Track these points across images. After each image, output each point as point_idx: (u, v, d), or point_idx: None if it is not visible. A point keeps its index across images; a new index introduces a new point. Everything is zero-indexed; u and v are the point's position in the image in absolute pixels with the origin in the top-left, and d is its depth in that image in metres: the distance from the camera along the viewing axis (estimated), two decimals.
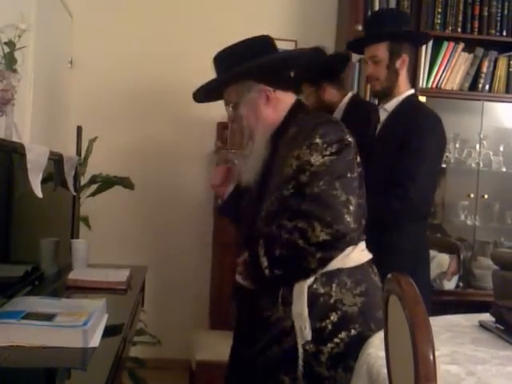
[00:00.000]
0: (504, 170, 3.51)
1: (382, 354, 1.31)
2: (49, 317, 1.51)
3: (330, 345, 1.65)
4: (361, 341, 1.59)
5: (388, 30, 2.33)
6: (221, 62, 1.84)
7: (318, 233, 1.60)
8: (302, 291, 1.66)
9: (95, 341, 1.47)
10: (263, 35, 1.85)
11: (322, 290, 1.67)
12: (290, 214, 1.65)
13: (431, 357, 0.99)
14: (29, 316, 1.50)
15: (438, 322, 1.68)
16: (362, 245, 1.78)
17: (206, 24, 3.69)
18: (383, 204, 2.22)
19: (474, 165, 3.49)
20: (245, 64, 1.75)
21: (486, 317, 1.72)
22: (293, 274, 1.68)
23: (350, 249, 1.69)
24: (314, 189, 1.62)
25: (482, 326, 1.68)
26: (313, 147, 1.65)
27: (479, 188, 3.47)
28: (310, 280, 1.67)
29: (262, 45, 1.82)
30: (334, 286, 1.67)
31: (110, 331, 1.58)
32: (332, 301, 1.67)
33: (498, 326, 1.63)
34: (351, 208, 1.63)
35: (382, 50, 2.32)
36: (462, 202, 3.51)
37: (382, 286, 1.74)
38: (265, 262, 1.66)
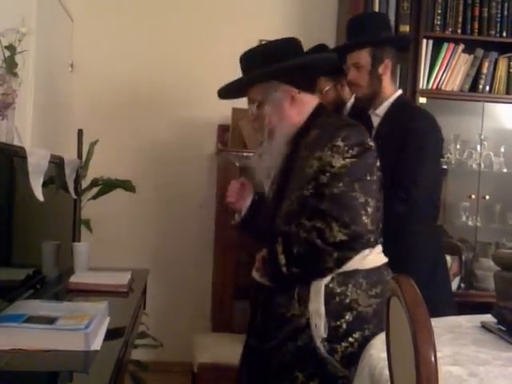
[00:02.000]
0: (505, 170, 3.51)
1: (384, 355, 1.31)
2: (50, 320, 1.51)
3: (344, 344, 1.69)
4: None
5: (369, 35, 2.32)
6: (248, 61, 1.86)
7: (336, 233, 1.64)
8: (319, 289, 1.70)
9: (97, 344, 1.47)
10: (291, 38, 1.89)
11: (338, 290, 1.70)
12: (309, 214, 1.69)
13: (433, 358, 0.99)
14: (30, 319, 1.50)
15: (439, 324, 1.68)
16: (379, 248, 1.81)
17: (207, 26, 3.69)
18: (386, 207, 2.22)
19: (474, 166, 3.48)
20: (273, 65, 1.78)
21: (488, 318, 1.72)
22: (309, 272, 1.72)
23: (367, 251, 1.73)
24: (333, 189, 1.66)
25: (484, 327, 1.68)
26: (334, 149, 1.69)
27: (480, 189, 3.46)
28: (327, 279, 1.70)
29: (289, 47, 1.85)
30: (350, 286, 1.71)
31: (111, 334, 1.58)
32: (347, 300, 1.70)
33: (500, 327, 1.63)
34: (369, 210, 1.67)
35: (364, 57, 2.30)
36: (463, 203, 3.50)
37: None
38: (283, 260, 1.70)
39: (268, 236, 1.81)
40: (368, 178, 1.71)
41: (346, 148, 1.69)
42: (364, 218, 1.66)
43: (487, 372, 1.29)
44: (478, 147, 3.47)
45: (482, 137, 3.46)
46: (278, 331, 1.76)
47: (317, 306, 1.69)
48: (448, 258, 3.22)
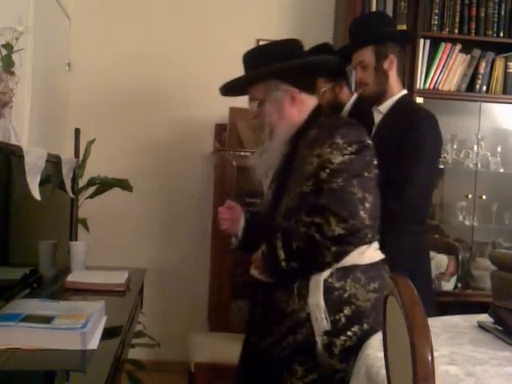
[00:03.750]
0: (502, 170, 3.52)
1: (381, 355, 1.31)
2: (47, 319, 1.51)
3: (342, 337, 1.71)
4: (373, 335, 1.64)
5: (371, 33, 2.33)
6: (251, 59, 1.89)
7: (334, 227, 1.66)
8: (318, 283, 1.72)
9: (94, 343, 1.47)
10: (293, 39, 1.92)
11: (337, 284, 1.73)
12: (309, 209, 1.71)
13: (429, 357, 1.00)
14: (27, 318, 1.50)
15: (436, 323, 1.68)
16: (376, 244, 1.84)
17: (204, 25, 3.69)
18: (380, 205, 2.22)
19: (471, 166, 3.49)
20: (275, 65, 1.82)
21: (485, 317, 1.72)
22: (308, 266, 1.74)
23: (364, 247, 1.76)
24: (332, 185, 1.69)
25: (481, 326, 1.68)
26: (334, 146, 1.72)
27: (477, 189, 3.47)
28: (326, 273, 1.73)
29: (290, 48, 1.89)
30: (348, 280, 1.74)
31: (108, 333, 1.58)
32: (346, 295, 1.73)
33: (497, 326, 1.63)
34: (367, 205, 1.70)
35: (368, 55, 2.31)
36: (460, 202, 3.51)
37: None
38: (282, 255, 1.73)
39: (267, 232, 1.82)
40: (366, 174, 1.74)
41: (345, 145, 1.72)
42: (362, 212, 1.69)
43: (484, 371, 1.29)
44: (475, 147, 3.48)
45: (479, 137, 3.47)
46: (278, 326, 1.78)
47: (316, 300, 1.72)
48: (445, 257, 3.23)
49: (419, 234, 2.35)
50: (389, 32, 2.39)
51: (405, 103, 2.35)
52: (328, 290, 1.72)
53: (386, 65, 2.31)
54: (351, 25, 2.49)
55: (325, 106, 2.80)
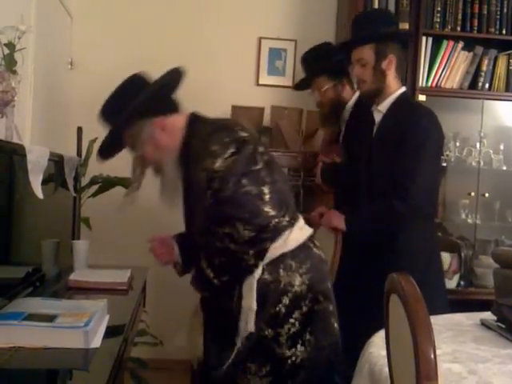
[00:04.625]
0: (504, 168, 3.50)
1: (384, 353, 1.32)
2: (50, 318, 1.51)
3: (286, 326, 1.76)
4: (313, 314, 1.75)
5: (372, 31, 2.33)
6: (108, 113, 1.94)
7: (243, 232, 1.70)
8: (251, 286, 1.75)
9: (96, 341, 1.47)
10: (133, 75, 1.97)
11: (270, 278, 1.76)
12: (217, 222, 1.74)
13: (432, 355, 1.00)
14: (30, 317, 1.50)
15: (439, 321, 1.68)
16: (300, 223, 1.86)
17: (206, 25, 3.69)
18: (386, 206, 2.22)
19: (474, 163, 3.48)
20: (130, 107, 1.84)
21: (488, 315, 1.73)
22: (238, 275, 1.77)
23: (286, 232, 1.78)
24: (225, 192, 1.72)
25: (484, 324, 1.68)
26: (213, 154, 1.73)
27: (480, 186, 3.46)
28: (258, 272, 1.75)
29: (133, 86, 1.93)
30: (280, 271, 1.77)
31: (111, 332, 1.59)
32: (282, 285, 1.76)
33: (500, 324, 1.63)
34: (266, 197, 1.74)
35: (368, 53, 2.32)
36: (462, 200, 3.50)
37: (325, 257, 1.90)
38: (210, 274, 1.77)
39: (192, 255, 1.87)
40: (253, 167, 1.76)
41: (223, 149, 1.74)
42: (263, 207, 1.73)
43: (486, 369, 1.29)
44: (478, 145, 3.47)
45: (482, 134, 3.46)
46: (229, 332, 1.82)
47: (249, 302, 1.75)
48: (447, 255, 3.23)
49: (427, 232, 2.35)
50: (390, 32, 2.39)
51: (404, 101, 2.35)
52: (263, 286, 1.75)
53: (384, 64, 2.31)
54: (354, 20, 2.49)
55: (326, 104, 2.81)
